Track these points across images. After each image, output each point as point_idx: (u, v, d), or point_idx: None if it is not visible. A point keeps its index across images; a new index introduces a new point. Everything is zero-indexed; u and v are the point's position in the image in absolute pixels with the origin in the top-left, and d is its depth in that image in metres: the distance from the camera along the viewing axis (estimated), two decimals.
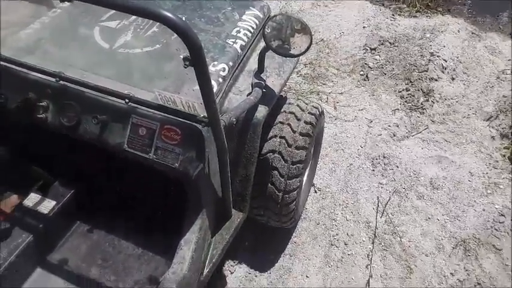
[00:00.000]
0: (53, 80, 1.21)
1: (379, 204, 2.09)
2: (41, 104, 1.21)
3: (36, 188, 1.35)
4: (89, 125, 1.20)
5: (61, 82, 1.20)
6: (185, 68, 0.92)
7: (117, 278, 1.30)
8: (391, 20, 3.14)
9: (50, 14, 1.46)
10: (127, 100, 1.16)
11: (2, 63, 1.26)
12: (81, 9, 1.46)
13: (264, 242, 1.91)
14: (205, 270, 1.33)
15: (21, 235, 1.24)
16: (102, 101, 1.20)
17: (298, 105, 1.64)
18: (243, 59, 1.47)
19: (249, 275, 1.80)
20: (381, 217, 2.04)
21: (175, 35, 1.41)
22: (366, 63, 2.82)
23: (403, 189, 2.15)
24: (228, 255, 1.80)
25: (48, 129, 1.25)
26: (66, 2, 0.86)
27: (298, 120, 1.59)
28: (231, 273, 1.80)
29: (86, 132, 1.21)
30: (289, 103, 1.65)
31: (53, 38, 1.37)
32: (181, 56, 0.92)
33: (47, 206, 1.31)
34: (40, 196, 1.33)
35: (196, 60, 0.89)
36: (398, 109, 2.56)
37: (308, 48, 1.32)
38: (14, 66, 1.25)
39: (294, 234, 1.95)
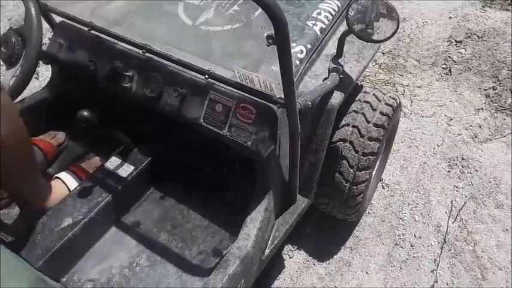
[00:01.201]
0: (140, 51, 1.26)
1: (453, 208, 1.95)
2: (127, 73, 1.27)
3: (117, 153, 1.43)
4: (169, 97, 1.25)
5: (147, 54, 1.25)
6: (268, 46, 0.91)
7: (183, 246, 1.35)
8: (480, 12, 2.89)
9: None
10: (207, 76, 1.18)
11: (93, 32, 1.34)
12: None
13: (325, 232, 1.87)
14: (267, 251, 1.34)
15: (101, 194, 1.32)
16: (183, 75, 1.23)
17: (374, 95, 1.57)
18: (321, 42, 1.43)
19: (307, 262, 1.78)
20: (453, 222, 1.91)
21: (256, 14, 1.42)
22: (449, 57, 2.62)
23: (481, 196, 1.99)
24: (289, 240, 1.79)
25: (132, 98, 1.31)
26: None
27: (374, 110, 1.52)
28: (290, 257, 1.79)
29: (166, 104, 1.25)
30: (365, 92, 1.58)
31: (140, 12, 1.43)
32: (265, 34, 0.91)
33: (126, 170, 1.38)
34: (120, 160, 1.40)
35: (281, 39, 0.87)
36: (482, 109, 2.36)
37: (393, 34, 1.25)
38: (104, 36, 1.32)
39: (356, 228, 1.89)
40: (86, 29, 1.33)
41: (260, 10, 1.40)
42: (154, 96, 1.26)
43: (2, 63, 1.31)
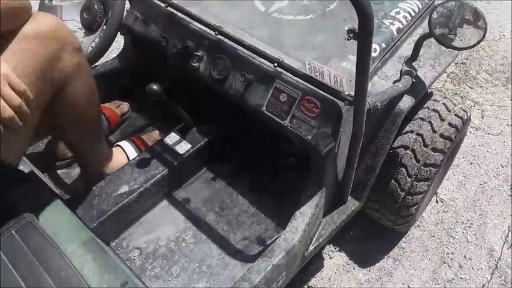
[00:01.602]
0: (212, 33, 1.27)
1: (509, 234, 1.83)
2: (197, 53, 1.29)
3: (177, 129, 1.46)
4: (235, 81, 1.25)
5: (219, 36, 1.26)
6: (348, 40, 0.88)
7: (229, 229, 1.36)
8: None
9: None
10: (275, 64, 1.17)
11: (169, 8, 1.36)
12: None
13: (369, 238, 1.82)
14: (311, 248, 1.32)
15: (158, 167, 1.36)
16: (252, 61, 1.23)
17: (444, 104, 1.49)
18: (396, 42, 1.37)
19: (347, 265, 1.74)
20: (507, 249, 1.79)
21: (331, 7, 1.39)
22: None
23: None
24: (331, 240, 1.76)
25: (198, 78, 1.33)
26: None
27: (442, 120, 1.45)
28: (330, 258, 1.76)
29: (231, 87, 1.26)
30: (435, 100, 1.51)
31: None
32: (346, 28, 0.88)
33: (184, 147, 1.41)
34: (179, 137, 1.43)
35: (364, 33, 0.84)
36: None
37: (478, 42, 1.18)
38: (179, 14, 1.34)
39: (403, 239, 1.82)
40: (162, 4, 1.36)
41: (336, 3, 1.39)
42: (221, 78, 1.26)
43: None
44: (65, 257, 0.87)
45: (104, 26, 1.22)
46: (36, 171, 1.19)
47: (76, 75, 1.04)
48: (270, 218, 1.39)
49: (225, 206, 1.42)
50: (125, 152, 1.43)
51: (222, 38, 1.26)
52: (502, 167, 2.06)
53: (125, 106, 1.63)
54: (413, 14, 1.41)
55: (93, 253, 0.90)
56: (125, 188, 1.29)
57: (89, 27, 1.26)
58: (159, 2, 1.38)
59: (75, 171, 1.48)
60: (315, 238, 1.33)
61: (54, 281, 0.83)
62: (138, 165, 1.35)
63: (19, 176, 1.05)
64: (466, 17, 1.18)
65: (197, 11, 1.32)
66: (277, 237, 1.19)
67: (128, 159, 1.41)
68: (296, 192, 1.30)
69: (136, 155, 1.42)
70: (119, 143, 1.46)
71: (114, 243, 1.30)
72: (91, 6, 1.25)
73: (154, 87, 1.19)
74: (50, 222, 0.94)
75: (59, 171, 1.47)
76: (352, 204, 1.42)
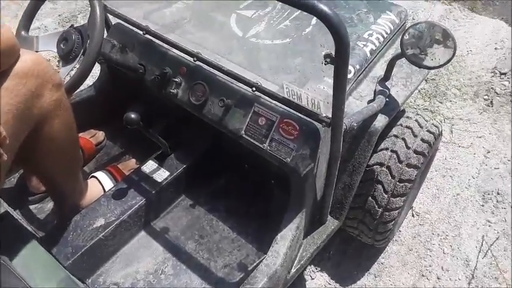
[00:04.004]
0: (190, 59, 1.28)
1: (484, 243, 1.89)
2: (175, 80, 1.29)
3: (154, 157, 1.44)
4: (214, 106, 1.25)
5: (197, 62, 1.27)
6: (325, 64, 0.90)
7: (209, 257, 1.34)
8: None
9: None
10: (254, 88, 1.18)
11: (147, 36, 1.36)
12: None
13: (349, 256, 1.84)
14: (293, 270, 1.32)
15: (135, 197, 1.33)
16: (230, 85, 1.24)
17: (417, 121, 1.54)
18: (370, 63, 1.42)
19: (328, 285, 1.75)
20: (483, 258, 1.84)
21: (307, 31, 1.42)
22: (492, 88, 2.56)
23: None
24: (312, 261, 1.76)
25: (176, 104, 1.33)
26: None
27: (415, 136, 1.49)
28: (312, 279, 1.76)
29: (209, 112, 1.26)
30: (408, 117, 1.56)
31: (193, 20, 1.45)
32: (323, 53, 0.90)
33: (161, 175, 1.39)
34: (157, 165, 1.41)
35: (341, 59, 0.87)
36: None
37: (448, 61, 1.22)
38: (156, 41, 1.35)
39: (382, 255, 1.85)
40: (140, 32, 1.36)
41: (311, 27, 1.43)
42: (199, 104, 1.27)
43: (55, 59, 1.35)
44: None
45: (82, 56, 1.21)
46: (9, 209, 1.16)
47: (56, 112, 1.02)
48: (251, 243, 1.38)
49: (205, 233, 1.40)
50: (100, 183, 1.39)
51: (200, 64, 1.27)
52: (473, 178, 2.13)
53: (100, 135, 1.60)
54: (385, 35, 1.46)
55: None
56: (100, 221, 1.25)
57: (66, 58, 1.24)
58: (136, 30, 1.38)
59: (49, 205, 1.43)
60: (296, 260, 1.33)
61: None
62: (114, 197, 1.32)
63: None
64: (436, 37, 1.23)
65: (175, 37, 1.33)
66: (259, 263, 1.19)
67: (104, 190, 1.38)
68: (277, 215, 1.30)
69: (113, 185, 1.39)
70: (94, 174, 1.43)
71: (90, 280, 1.26)
72: (68, 36, 1.24)
73: (133, 116, 1.18)
74: (24, 264, 0.91)
75: (31, 206, 1.42)
76: (331, 224, 1.43)
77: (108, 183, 1.41)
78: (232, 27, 1.42)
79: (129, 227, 1.33)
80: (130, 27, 1.39)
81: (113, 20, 1.47)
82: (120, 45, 1.41)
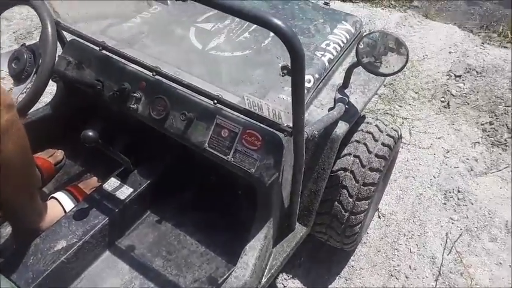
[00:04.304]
0: (150, 73, 1.26)
1: (448, 240, 1.95)
2: (134, 95, 1.27)
3: (116, 174, 1.41)
4: (175, 120, 1.24)
5: (156, 76, 1.26)
6: (282, 76, 0.92)
7: (178, 273, 1.32)
8: (480, 48, 2.97)
9: (151, 10, 1.53)
10: (215, 101, 1.19)
11: (103, 51, 1.34)
12: (179, 8, 1.52)
13: (319, 261, 1.86)
14: (263, 280, 1.31)
15: (97, 217, 1.29)
16: (191, 99, 1.24)
17: (377, 126, 1.59)
18: (328, 72, 1.45)
19: None
20: (448, 254, 1.91)
21: (266, 42, 1.44)
22: (448, 90, 2.67)
23: (475, 229, 2.00)
24: (283, 268, 1.76)
25: (136, 119, 1.31)
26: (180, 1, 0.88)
27: (376, 141, 1.54)
28: (284, 286, 1.77)
29: (171, 127, 1.25)
30: (368, 122, 1.60)
31: (151, 34, 1.44)
32: (280, 64, 0.92)
33: (124, 192, 1.36)
34: (119, 182, 1.38)
35: (297, 70, 0.88)
36: (479, 142, 2.40)
37: (402, 68, 1.27)
38: (114, 56, 1.33)
39: (352, 258, 1.88)
40: (97, 48, 1.33)
41: (270, 38, 1.45)
42: (160, 118, 1.26)
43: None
44: None
45: (34, 75, 1.17)
46: None
47: (8, 133, 0.98)
48: (221, 255, 1.37)
49: (173, 248, 1.38)
50: (60, 204, 1.35)
51: (160, 78, 1.26)
52: (435, 177, 2.21)
53: (59, 154, 1.55)
54: (342, 44, 1.50)
55: None
56: (62, 244, 1.21)
57: (18, 77, 1.20)
58: (93, 46, 1.36)
59: (7, 230, 1.36)
60: (267, 270, 1.33)
61: None
62: (75, 217, 1.28)
63: None
64: (390, 45, 1.28)
65: (133, 52, 1.32)
66: (229, 275, 1.18)
67: (65, 211, 1.33)
68: (245, 225, 1.30)
69: (74, 205, 1.34)
70: (53, 195, 1.37)
71: None
72: (20, 55, 1.20)
73: (90, 133, 1.15)
74: None
75: None
76: (300, 231, 1.44)
77: (69, 204, 1.37)
78: (191, 40, 1.42)
79: (93, 247, 1.29)
80: (87, 43, 1.36)
81: (69, 37, 1.44)
82: (76, 61, 1.38)
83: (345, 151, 1.52)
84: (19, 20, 3.12)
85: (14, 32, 3.01)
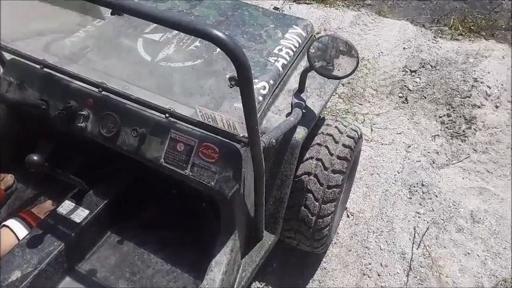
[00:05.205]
0: (96, 90, 1.21)
1: (416, 235, 1.98)
2: (81, 113, 1.21)
3: (71, 196, 1.34)
4: (127, 137, 1.19)
5: (103, 93, 1.20)
6: (230, 87, 0.89)
7: None
8: (433, 43, 3.05)
9: (95, 23, 1.47)
10: (167, 115, 1.14)
11: (45, 69, 1.27)
12: (125, 20, 1.47)
13: (292, 266, 1.84)
14: None
15: (53, 243, 1.23)
16: (142, 114, 1.19)
17: (336, 127, 1.59)
18: (283, 77, 1.44)
19: None
20: (417, 249, 1.93)
21: (218, 51, 1.41)
22: (405, 85, 2.73)
23: (442, 221, 2.04)
24: (255, 277, 1.74)
25: (87, 138, 1.25)
26: (116, 15, 0.84)
27: (336, 142, 1.53)
28: None
29: (124, 144, 1.20)
30: (328, 124, 1.60)
31: (97, 48, 1.38)
32: (227, 76, 0.89)
33: (80, 214, 1.30)
34: (74, 204, 1.32)
35: (244, 81, 0.86)
36: (438, 135, 2.46)
37: (353, 71, 1.28)
38: (57, 74, 1.26)
39: (324, 259, 1.88)
40: (38, 66, 1.26)
41: None
42: (111, 136, 1.20)
43: None
44: None
45: None
46: None
47: None
48: (188, 272, 1.33)
49: (137, 269, 1.33)
50: (13, 231, 1.27)
51: (107, 94, 1.21)
52: (398, 173, 2.24)
53: (9, 178, 1.47)
54: (294, 49, 1.49)
55: None
56: (16, 274, 1.15)
57: None
58: (34, 64, 1.28)
59: None
60: (236, 283, 1.30)
61: None
62: (29, 245, 1.22)
63: None
64: (340, 49, 1.28)
65: (78, 68, 1.25)
66: None
67: (18, 239, 1.26)
68: (211, 239, 1.26)
69: (27, 232, 1.27)
70: (5, 223, 1.30)
71: None
72: None
73: (35, 158, 1.08)
74: None
75: None
76: (268, 239, 1.42)
77: (22, 231, 1.30)
78: (139, 52, 1.37)
79: (50, 275, 1.23)
80: (28, 62, 1.28)
81: (9, 57, 1.35)
82: (17, 82, 1.30)
83: (307, 155, 1.51)
84: None
85: None
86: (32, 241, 1.23)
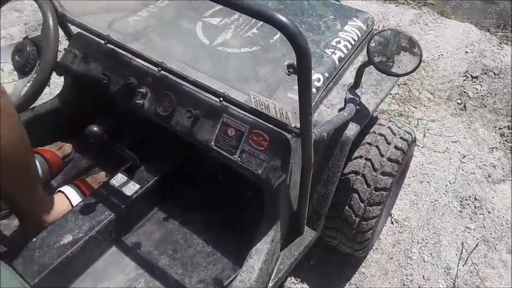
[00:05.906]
0: (155, 69, 1.23)
1: (464, 250, 1.87)
2: (140, 90, 1.24)
3: (124, 170, 1.39)
4: (181, 117, 1.21)
5: (162, 72, 1.23)
6: (288, 75, 0.87)
7: (183, 272, 1.29)
8: (497, 49, 2.86)
9: (158, 3, 1.50)
10: (221, 99, 1.15)
11: (109, 45, 1.31)
12: (186, 2, 1.49)
13: (330, 266, 1.80)
14: (270, 284, 1.27)
15: (104, 212, 1.28)
16: (198, 96, 1.20)
17: (389, 128, 1.52)
18: (339, 71, 1.40)
19: None
20: (463, 265, 1.83)
21: (274, 39, 1.40)
22: (464, 92, 2.59)
23: (493, 239, 1.92)
24: (292, 272, 1.72)
25: (143, 115, 1.28)
26: None
27: (388, 144, 1.47)
28: None
29: (177, 123, 1.22)
30: (380, 124, 1.54)
31: (158, 28, 1.41)
32: (286, 63, 0.87)
33: (131, 188, 1.34)
34: (126, 178, 1.36)
35: (303, 69, 0.84)
36: (496, 148, 2.31)
37: (415, 69, 1.22)
38: (120, 50, 1.30)
39: (363, 264, 1.82)
40: (102, 42, 1.31)
41: (278, 35, 1.40)
42: (166, 115, 1.23)
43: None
44: None
45: (38, 68, 1.15)
46: None
47: (1, 119, 0.96)
48: (227, 257, 1.34)
49: (179, 247, 1.35)
50: (67, 198, 1.33)
51: (165, 73, 1.23)
52: (450, 183, 2.13)
53: (68, 147, 1.54)
54: (353, 42, 1.45)
55: None
56: (68, 238, 1.20)
57: (22, 70, 1.18)
58: (98, 39, 1.33)
59: (15, 222, 1.36)
60: (274, 273, 1.29)
61: None
62: (82, 212, 1.27)
63: None
64: (402, 44, 1.22)
65: (139, 46, 1.29)
66: (234, 278, 1.14)
67: (72, 205, 1.32)
68: (252, 227, 1.26)
69: (81, 200, 1.33)
70: (61, 189, 1.36)
71: None
72: (23, 48, 1.18)
73: (95, 128, 1.13)
74: None
75: None
76: (309, 235, 1.40)
77: (76, 198, 1.35)
78: (198, 36, 1.38)
79: (99, 243, 1.27)
80: (93, 36, 1.33)
81: (75, 30, 1.41)
82: (82, 55, 1.36)
83: (356, 153, 1.46)
84: (30, 11, 3.12)
85: (25, 24, 3.01)
86: (84, 208, 1.28)
